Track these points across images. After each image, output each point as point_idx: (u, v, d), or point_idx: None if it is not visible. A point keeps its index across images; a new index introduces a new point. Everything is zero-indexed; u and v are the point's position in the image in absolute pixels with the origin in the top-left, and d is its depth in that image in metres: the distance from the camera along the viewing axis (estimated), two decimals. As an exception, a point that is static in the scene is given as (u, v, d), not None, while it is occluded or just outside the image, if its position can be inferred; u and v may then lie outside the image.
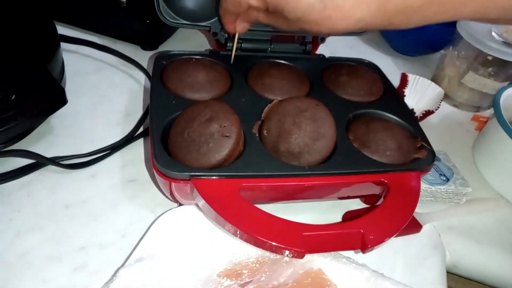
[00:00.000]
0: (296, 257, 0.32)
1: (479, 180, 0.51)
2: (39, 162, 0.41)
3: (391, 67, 0.67)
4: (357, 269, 0.36)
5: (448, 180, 0.46)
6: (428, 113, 0.54)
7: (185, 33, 0.64)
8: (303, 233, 0.32)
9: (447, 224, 0.45)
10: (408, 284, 0.36)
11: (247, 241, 0.32)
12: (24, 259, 0.35)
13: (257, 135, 0.38)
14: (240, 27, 0.41)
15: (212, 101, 0.39)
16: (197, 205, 0.36)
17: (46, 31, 0.47)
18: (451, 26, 0.58)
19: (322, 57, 0.51)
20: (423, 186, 0.44)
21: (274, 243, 0.31)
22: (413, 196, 0.37)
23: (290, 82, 0.45)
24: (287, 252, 0.31)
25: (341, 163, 0.37)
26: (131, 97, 0.52)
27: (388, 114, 0.44)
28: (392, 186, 0.37)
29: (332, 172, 0.37)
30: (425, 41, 0.65)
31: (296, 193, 0.38)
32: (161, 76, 0.43)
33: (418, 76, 0.58)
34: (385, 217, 0.35)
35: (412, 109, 0.55)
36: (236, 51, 0.46)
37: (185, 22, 0.47)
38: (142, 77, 0.55)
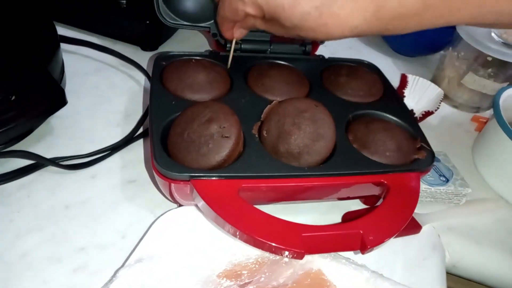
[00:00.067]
0: (295, 257, 0.32)
1: (479, 181, 0.51)
2: (39, 162, 0.41)
3: (390, 68, 0.67)
4: (356, 270, 0.36)
5: (447, 180, 0.46)
6: (427, 113, 0.54)
7: (185, 34, 0.64)
8: (303, 234, 0.32)
9: (447, 225, 0.45)
10: (407, 284, 0.36)
11: (246, 241, 0.32)
12: (24, 259, 0.35)
13: (256, 136, 0.38)
14: (237, 34, 0.41)
15: (212, 102, 0.39)
16: (196, 205, 0.36)
17: (46, 32, 0.47)
18: (450, 27, 0.58)
19: (321, 58, 0.51)
20: (423, 186, 0.44)
21: (273, 244, 0.31)
22: (413, 197, 0.37)
23: (289, 83, 0.45)
24: (286, 253, 0.31)
25: (341, 164, 0.37)
26: (131, 98, 0.52)
27: (388, 115, 0.44)
28: (391, 187, 0.37)
29: (332, 173, 0.37)
30: (424, 42, 0.66)
31: (295, 193, 0.38)
32: (160, 77, 0.43)
33: (417, 77, 0.59)
34: (384, 218, 0.35)
35: (412, 110, 0.55)
36: (235, 52, 0.46)
37: (184, 23, 0.48)
38: (142, 77, 0.55)
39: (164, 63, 0.44)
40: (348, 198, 0.44)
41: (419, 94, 0.58)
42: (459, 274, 0.45)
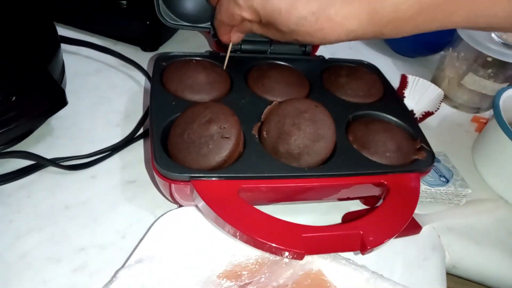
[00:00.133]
0: (295, 258, 0.32)
1: (479, 181, 0.51)
2: (39, 163, 0.41)
3: (390, 68, 0.67)
4: (356, 270, 0.36)
5: (447, 181, 0.46)
6: (427, 114, 0.54)
7: (185, 34, 0.64)
8: (303, 235, 0.32)
9: (447, 225, 0.45)
10: (407, 285, 0.36)
11: (246, 242, 0.32)
12: (24, 260, 0.35)
13: (256, 136, 0.38)
14: (234, 38, 0.42)
15: (212, 103, 0.39)
16: (197, 206, 0.36)
17: (46, 32, 0.47)
18: (450, 27, 0.58)
19: (321, 58, 0.51)
20: (423, 187, 0.45)
21: (273, 245, 0.31)
22: (413, 197, 0.37)
23: (289, 84, 0.45)
24: (286, 253, 0.31)
25: (341, 164, 0.37)
26: (131, 98, 0.52)
27: (388, 116, 0.44)
28: (391, 188, 0.37)
29: (332, 173, 0.37)
30: (424, 42, 0.66)
31: (295, 194, 0.38)
32: (161, 78, 0.43)
33: (417, 78, 0.59)
34: (384, 219, 0.35)
35: (412, 110, 0.55)
36: (235, 52, 0.46)
37: (185, 23, 0.48)
38: (142, 78, 0.55)
39: (164, 63, 0.44)
40: (348, 198, 0.44)
41: (419, 95, 0.58)
42: (459, 274, 0.45)
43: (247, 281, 0.34)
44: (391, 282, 0.36)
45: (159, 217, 0.38)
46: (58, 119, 0.46)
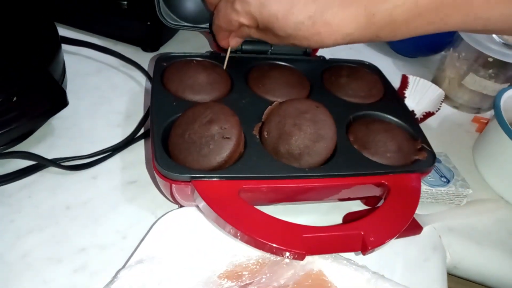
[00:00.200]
0: (296, 258, 0.32)
1: (480, 182, 0.51)
2: (40, 163, 0.41)
3: (391, 69, 0.67)
4: (357, 271, 0.36)
5: (448, 181, 0.46)
6: (428, 114, 0.54)
7: (186, 35, 0.64)
8: (304, 235, 0.32)
9: (448, 226, 0.45)
10: (408, 285, 0.36)
11: (247, 242, 0.32)
12: (24, 260, 0.35)
13: (257, 136, 0.38)
14: (233, 43, 0.42)
15: (213, 103, 0.39)
16: (197, 206, 0.36)
17: (47, 33, 0.47)
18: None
19: (322, 58, 0.51)
20: (424, 187, 0.44)
21: (274, 245, 0.31)
22: (414, 197, 0.37)
23: (290, 84, 0.45)
24: (287, 253, 0.31)
25: (342, 164, 0.37)
26: (132, 99, 0.52)
27: (389, 116, 0.44)
28: (392, 188, 0.37)
29: (333, 173, 0.37)
30: (425, 42, 0.66)
31: (296, 194, 0.38)
32: (161, 78, 0.43)
33: (418, 78, 0.59)
34: (385, 219, 0.35)
35: (413, 111, 0.55)
36: (235, 52, 0.46)
37: (185, 24, 0.48)
38: (142, 78, 0.55)
39: (165, 64, 0.44)
40: (349, 199, 0.44)
41: (419, 95, 0.58)
42: (460, 275, 0.45)
43: (248, 282, 0.34)
44: (392, 282, 0.36)
45: (159, 218, 0.38)
46: (59, 119, 0.46)
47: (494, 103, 0.50)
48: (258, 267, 0.35)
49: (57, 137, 0.45)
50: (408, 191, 0.37)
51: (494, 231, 0.46)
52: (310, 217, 0.42)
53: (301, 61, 0.49)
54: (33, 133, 0.44)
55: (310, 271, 0.35)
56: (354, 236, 0.34)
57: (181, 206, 0.39)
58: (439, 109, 0.55)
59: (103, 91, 0.52)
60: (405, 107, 0.46)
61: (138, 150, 0.46)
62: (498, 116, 0.48)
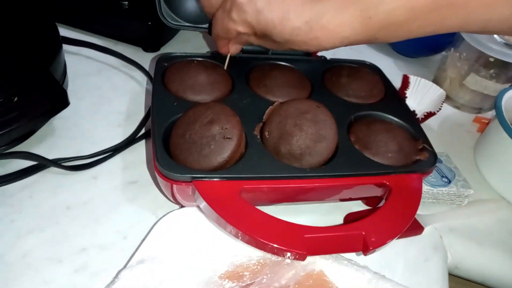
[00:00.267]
0: (297, 259, 0.32)
1: (481, 182, 0.51)
2: (41, 163, 0.41)
3: (392, 69, 0.67)
4: (358, 271, 0.36)
5: (449, 182, 0.46)
6: (429, 114, 0.54)
7: (187, 35, 0.64)
8: (305, 235, 0.32)
9: (449, 226, 0.45)
10: (409, 286, 0.36)
11: (248, 243, 0.32)
12: (25, 260, 0.35)
13: (258, 137, 0.38)
14: (233, 49, 0.43)
15: (214, 103, 0.39)
16: (198, 207, 0.36)
17: (48, 33, 0.47)
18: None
19: (323, 59, 0.51)
20: (425, 188, 0.44)
21: (275, 245, 0.31)
22: (415, 198, 0.37)
23: (291, 84, 0.45)
24: (288, 254, 0.31)
25: (343, 165, 0.37)
26: (133, 99, 0.52)
27: (390, 116, 0.44)
28: (393, 188, 0.37)
29: (334, 174, 0.37)
30: (426, 42, 0.65)
31: (297, 195, 0.38)
32: (162, 78, 0.43)
33: (419, 78, 0.58)
34: (386, 219, 0.35)
35: (414, 111, 0.55)
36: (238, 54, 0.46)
37: (186, 24, 0.48)
38: (143, 78, 0.55)
39: (166, 64, 0.45)
40: (350, 199, 0.44)
41: (421, 95, 0.58)
42: (461, 275, 0.45)
43: (249, 282, 0.34)
44: (393, 282, 0.36)
45: (160, 218, 0.38)
46: (59, 120, 0.46)
47: (495, 103, 0.50)
48: (259, 267, 0.35)
49: (58, 137, 0.45)
50: (409, 191, 0.37)
51: (495, 231, 0.46)
52: (311, 217, 0.42)
53: (302, 61, 0.49)
54: (34, 133, 0.44)
55: (311, 271, 0.35)
56: (355, 237, 0.33)
57: (182, 206, 0.39)
58: (440, 109, 0.55)
59: (104, 91, 0.52)
60: (406, 107, 0.46)
61: (139, 150, 0.46)
62: (499, 116, 0.48)
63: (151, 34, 0.58)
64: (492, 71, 0.56)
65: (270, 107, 0.41)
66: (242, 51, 0.48)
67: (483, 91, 0.59)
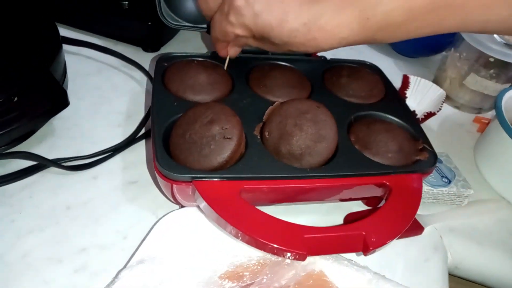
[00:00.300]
0: (297, 259, 0.32)
1: (481, 182, 0.51)
2: (41, 163, 0.41)
3: (392, 69, 0.67)
4: (358, 272, 0.36)
5: (450, 182, 0.46)
6: (429, 114, 0.54)
7: (187, 35, 0.64)
8: (305, 235, 0.32)
9: (449, 226, 0.45)
10: (409, 286, 0.36)
11: (248, 243, 0.32)
12: (25, 260, 0.35)
13: (258, 137, 0.38)
14: (231, 52, 0.43)
15: (214, 103, 0.39)
16: (198, 207, 0.36)
17: (48, 33, 0.47)
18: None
19: (323, 59, 0.51)
20: (425, 188, 0.44)
21: (275, 245, 0.31)
22: (415, 198, 0.37)
23: (291, 84, 0.45)
24: (288, 254, 0.31)
25: (343, 165, 0.37)
26: (133, 99, 0.52)
27: (390, 116, 0.44)
28: (393, 188, 0.37)
29: (334, 174, 0.37)
30: (426, 42, 0.66)
31: (297, 195, 0.38)
32: (162, 78, 0.43)
33: (419, 78, 0.58)
34: (387, 219, 0.35)
35: (414, 111, 0.55)
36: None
37: (186, 24, 0.48)
38: (143, 78, 0.55)
39: (166, 64, 0.45)
40: (350, 199, 0.44)
41: (421, 95, 0.58)
42: (461, 275, 0.45)
43: (249, 282, 0.34)
44: (393, 283, 0.36)
45: (160, 218, 0.38)
46: (59, 120, 0.46)
47: (495, 103, 0.50)
48: (259, 267, 0.35)
49: (58, 137, 0.45)
50: (409, 192, 0.37)
51: (495, 232, 0.46)
52: (311, 217, 0.42)
53: (302, 61, 0.49)
54: (34, 133, 0.44)
55: (311, 271, 0.35)
56: (356, 237, 0.33)
57: (182, 206, 0.39)
58: (440, 109, 0.55)
59: (104, 91, 0.52)
60: (406, 107, 0.46)
61: (139, 150, 0.46)
62: (499, 116, 0.48)
63: (151, 34, 0.58)
64: (492, 71, 0.56)
65: (270, 107, 0.41)
66: (242, 51, 0.48)
67: (483, 91, 0.59)
